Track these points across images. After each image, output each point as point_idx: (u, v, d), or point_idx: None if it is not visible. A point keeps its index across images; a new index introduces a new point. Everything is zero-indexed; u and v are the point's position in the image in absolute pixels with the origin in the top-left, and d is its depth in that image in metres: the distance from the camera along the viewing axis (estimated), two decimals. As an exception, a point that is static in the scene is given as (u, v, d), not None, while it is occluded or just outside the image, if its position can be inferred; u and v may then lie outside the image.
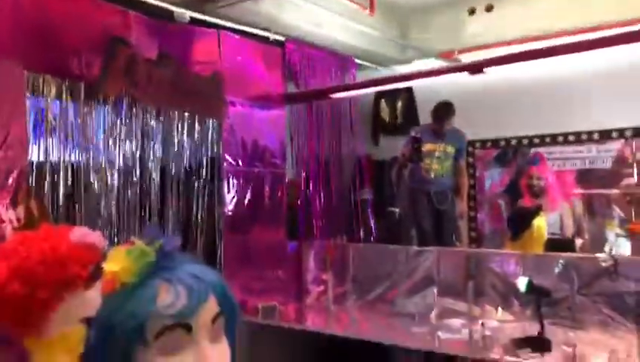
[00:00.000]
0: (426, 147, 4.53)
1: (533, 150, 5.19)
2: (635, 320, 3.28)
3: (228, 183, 4.19)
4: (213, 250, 4.15)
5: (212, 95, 3.97)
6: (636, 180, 4.79)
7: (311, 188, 5.03)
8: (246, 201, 4.35)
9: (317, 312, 4.28)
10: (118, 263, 0.80)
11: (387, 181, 5.70)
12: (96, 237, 0.80)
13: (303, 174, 4.99)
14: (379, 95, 5.90)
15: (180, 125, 3.87)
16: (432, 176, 4.64)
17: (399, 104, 5.87)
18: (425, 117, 5.59)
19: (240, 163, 4.28)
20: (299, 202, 4.88)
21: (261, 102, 4.58)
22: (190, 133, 3.95)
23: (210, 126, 4.09)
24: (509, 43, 4.64)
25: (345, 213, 5.23)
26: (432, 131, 4.67)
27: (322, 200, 5.09)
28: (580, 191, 5.00)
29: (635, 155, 4.80)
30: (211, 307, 0.81)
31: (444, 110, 4.64)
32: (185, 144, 3.91)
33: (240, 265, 4.23)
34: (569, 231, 4.55)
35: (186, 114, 3.90)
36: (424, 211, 4.56)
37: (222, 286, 0.85)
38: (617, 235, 4.90)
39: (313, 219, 4.97)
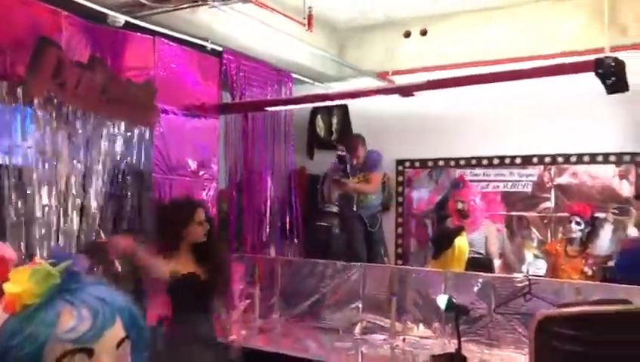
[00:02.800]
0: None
1: (459, 172, 5.40)
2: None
3: (157, 192, 4.10)
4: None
5: (144, 102, 3.89)
6: (553, 204, 5.05)
7: (243, 199, 5.00)
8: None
9: (241, 326, 4.25)
10: (20, 284, 0.78)
11: (319, 195, 5.76)
12: (5, 250, 0.77)
13: (235, 185, 4.96)
14: (315, 110, 5.96)
15: (108, 131, 3.76)
16: (363, 202, 4.87)
17: (334, 120, 5.95)
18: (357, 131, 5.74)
19: (169, 172, 4.21)
20: (229, 214, 4.84)
21: (195, 111, 4.53)
22: (118, 140, 3.85)
23: (140, 133, 3.99)
24: (440, 67, 4.81)
25: (276, 226, 5.23)
26: (350, 165, 4.88)
27: (254, 212, 5.07)
28: (503, 212, 5.23)
29: (553, 180, 5.07)
30: (117, 331, 0.80)
31: (353, 142, 4.94)
32: (113, 150, 3.80)
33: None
34: (494, 250, 4.77)
35: (116, 120, 3.80)
36: (358, 234, 4.74)
37: (129, 309, 0.84)
38: (535, 256, 5.15)
39: (244, 232, 4.93)
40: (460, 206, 4.50)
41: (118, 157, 3.84)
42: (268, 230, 5.12)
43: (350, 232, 4.85)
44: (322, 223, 5.11)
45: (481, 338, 3.72)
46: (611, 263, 4.13)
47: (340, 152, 4.68)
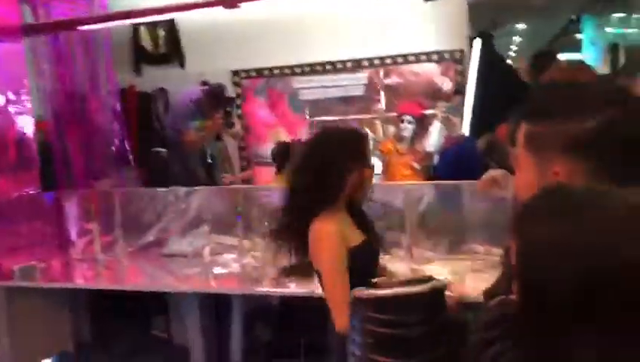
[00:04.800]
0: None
1: (297, 79, 5.40)
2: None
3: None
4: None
5: None
6: (384, 105, 5.28)
7: (67, 129, 4.57)
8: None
9: (85, 266, 4.05)
10: None
11: (154, 116, 5.45)
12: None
13: (55, 115, 4.50)
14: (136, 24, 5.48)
15: None
16: None
17: (161, 33, 5.54)
18: (191, 47, 5.43)
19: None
20: (52, 148, 4.42)
21: (-9, 36, 3.93)
22: None
23: None
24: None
25: (107, 154, 4.89)
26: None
27: (80, 141, 4.67)
28: (339, 117, 5.36)
29: (382, 82, 5.26)
30: None
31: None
32: None
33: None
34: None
35: None
36: (193, 156, 4.59)
37: None
38: (372, 155, 5.41)
39: (72, 164, 4.56)
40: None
41: None
42: (100, 159, 4.79)
43: (185, 155, 4.66)
44: (158, 148, 4.87)
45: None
46: (435, 161, 4.47)
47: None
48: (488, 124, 4.30)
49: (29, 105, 4.20)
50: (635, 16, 8.21)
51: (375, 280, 1.03)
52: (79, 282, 4.00)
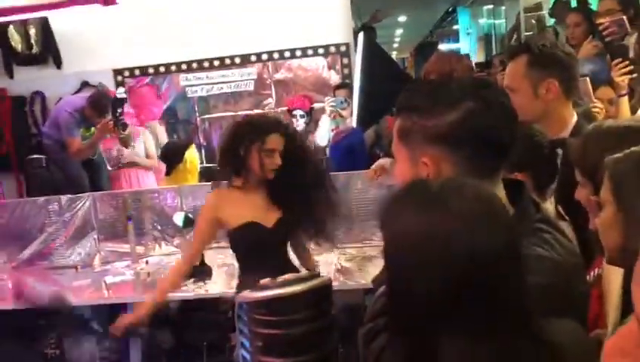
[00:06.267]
0: None
1: (184, 76, 5.27)
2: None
3: None
4: None
5: None
6: (274, 100, 5.29)
7: None
8: None
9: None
10: None
11: (31, 120, 5.11)
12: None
13: None
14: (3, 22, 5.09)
15: None
16: None
17: (32, 32, 5.17)
18: (68, 47, 5.14)
19: None
20: None
21: None
22: None
23: None
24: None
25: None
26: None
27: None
28: (230, 113, 5.30)
29: (271, 77, 5.27)
30: None
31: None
32: None
33: None
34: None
35: None
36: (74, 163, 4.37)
37: None
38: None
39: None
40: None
41: None
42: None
43: (66, 161, 4.42)
44: (35, 155, 4.57)
45: (221, 244, 3.84)
46: (327, 153, 4.56)
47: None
48: (375, 116, 4.46)
49: None
50: (502, 7, 8.80)
51: (262, 281, 1.04)
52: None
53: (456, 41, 12.04)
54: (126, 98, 4.51)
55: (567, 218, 1.67)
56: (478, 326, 0.75)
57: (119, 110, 4.06)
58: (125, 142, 4.33)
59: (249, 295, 0.99)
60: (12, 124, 5.03)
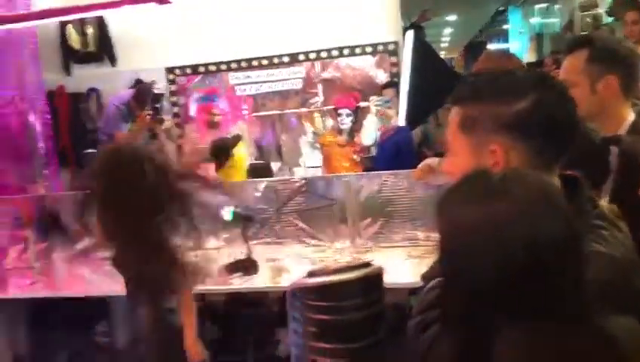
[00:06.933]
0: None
1: (234, 75, 5.37)
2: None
3: None
4: None
5: None
6: (322, 98, 5.32)
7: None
8: None
9: (19, 274, 3.88)
10: None
11: (87, 116, 5.29)
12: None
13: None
14: (65, 20, 5.29)
15: None
16: None
17: (90, 31, 5.37)
18: (123, 45, 5.30)
19: None
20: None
21: None
22: None
23: None
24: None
25: (38, 157, 4.72)
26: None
27: (7, 145, 4.48)
28: (275, 111, 5.37)
29: (319, 75, 5.30)
30: None
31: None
32: None
33: None
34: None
35: None
36: None
37: None
38: (312, 147, 5.45)
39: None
40: (215, 118, 4.52)
41: None
42: (29, 163, 4.61)
43: None
44: (91, 150, 4.74)
45: (269, 239, 3.91)
46: (374, 152, 4.56)
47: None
48: (423, 114, 4.43)
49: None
50: (556, 6, 8.59)
51: (311, 268, 1.06)
52: (14, 292, 3.84)
53: (506, 40, 11.84)
54: (164, 93, 4.65)
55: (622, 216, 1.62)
56: (536, 317, 0.75)
57: (157, 105, 4.21)
58: (168, 136, 4.48)
59: (301, 281, 1.01)
60: (69, 119, 5.23)
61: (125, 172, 2.09)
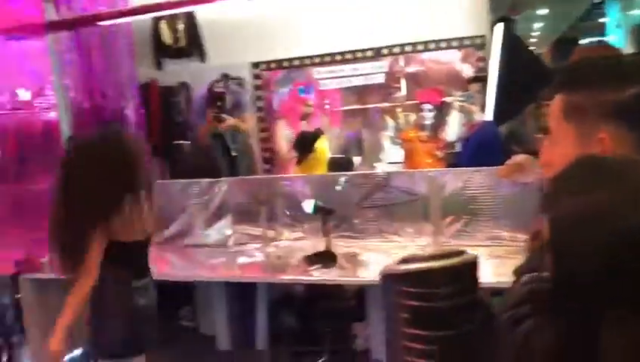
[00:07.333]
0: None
1: (317, 69, 5.41)
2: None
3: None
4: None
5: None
6: (405, 93, 5.26)
7: (87, 123, 4.63)
8: (12, 149, 3.88)
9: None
10: None
11: (176, 110, 5.50)
12: None
13: (78, 111, 4.56)
14: (157, 16, 5.53)
15: None
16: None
17: (180, 26, 5.58)
18: (211, 40, 5.47)
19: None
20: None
21: (16, 34, 4.00)
22: None
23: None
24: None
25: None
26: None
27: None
28: (357, 106, 5.37)
29: (403, 70, 5.24)
30: None
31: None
32: None
33: (14, 220, 3.83)
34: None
35: None
36: (215, 149, 4.67)
37: None
38: (392, 144, 5.40)
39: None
40: (308, 109, 4.57)
41: None
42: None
43: (207, 148, 4.73)
44: (181, 141, 4.93)
45: (349, 233, 3.91)
46: (458, 148, 4.44)
47: (217, 89, 4.50)
48: (513, 110, 4.27)
49: (53, 100, 4.27)
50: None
51: (405, 255, 1.04)
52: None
53: (602, 35, 11.21)
54: (225, 92, 4.80)
55: None
56: None
57: (218, 103, 4.39)
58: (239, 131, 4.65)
59: (394, 267, 1.00)
60: (160, 112, 5.45)
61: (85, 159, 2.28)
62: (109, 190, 2.24)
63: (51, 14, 4.36)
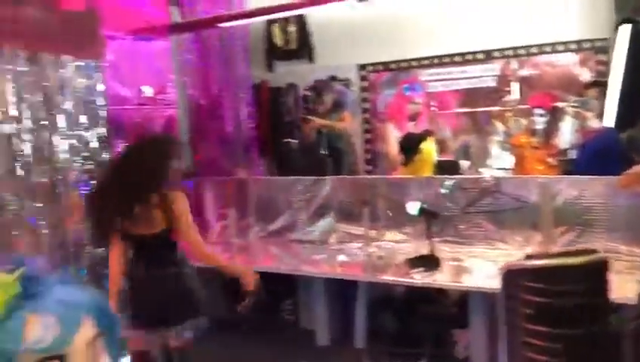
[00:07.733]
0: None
1: (425, 72, 5.35)
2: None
3: (114, 127, 3.96)
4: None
5: (86, 32, 3.66)
6: (516, 97, 5.07)
7: (205, 120, 4.91)
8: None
9: (221, 248, 4.31)
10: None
11: (285, 109, 5.67)
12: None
13: (195, 107, 4.84)
14: (270, 20, 5.73)
15: (54, 68, 3.53)
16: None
17: (291, 29, 5.74)
18: (320, 42, 5.58)
19: (125, 103, 4.07)
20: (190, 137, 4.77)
21: (145, 34, 4.31)
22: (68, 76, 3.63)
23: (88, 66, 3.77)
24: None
25: (243, 145, 5.18)
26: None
27: (218, 132, 4.99)
28: (465, 109, 5.25)
29: (515, 73, 5.06)
30: (86, 332, 0.79)
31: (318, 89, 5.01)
32: (64, 89, 3.59)
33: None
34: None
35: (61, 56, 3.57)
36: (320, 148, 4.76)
37: (96, 304, 0.83)
38: (501, 149, 5.23)
39: (209, 153, 4.89)
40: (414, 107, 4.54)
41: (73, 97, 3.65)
42: (234, 150, 5.08)
43: (313, 147, 4.82)
44: (289, 139, 5.07)
45: (453, 238, 3.84)
46: (572, 155, 4.23)
47: (305, 92, 4.64)
48: (634, 117, 4.00)
49: (173, 97, 4.56)
50: None
51: (532, 251, 1.02)
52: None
53: None
54: (311, 94, 4.89)
55: None
56: None
57: (304, 105, 4.50)
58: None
59: (520, 262, 0.99)
60: (269, 112, 5.64)
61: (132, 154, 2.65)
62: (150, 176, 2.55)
63: (177, 17, 4.66)
